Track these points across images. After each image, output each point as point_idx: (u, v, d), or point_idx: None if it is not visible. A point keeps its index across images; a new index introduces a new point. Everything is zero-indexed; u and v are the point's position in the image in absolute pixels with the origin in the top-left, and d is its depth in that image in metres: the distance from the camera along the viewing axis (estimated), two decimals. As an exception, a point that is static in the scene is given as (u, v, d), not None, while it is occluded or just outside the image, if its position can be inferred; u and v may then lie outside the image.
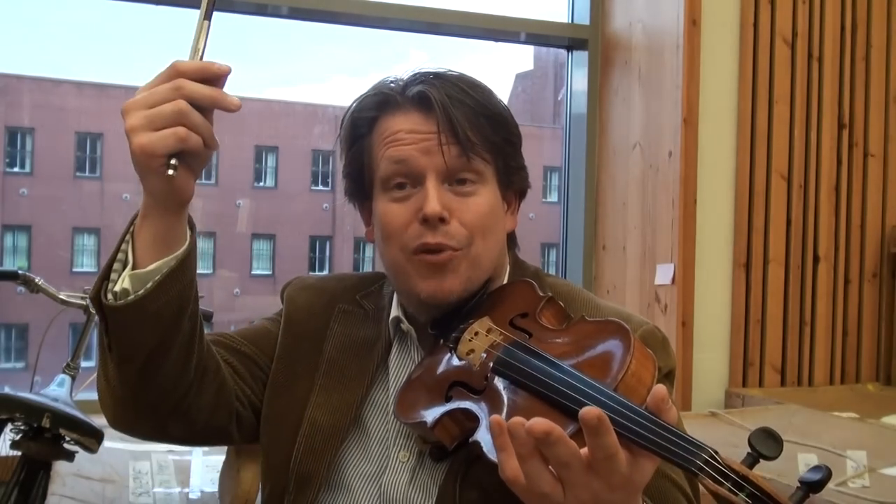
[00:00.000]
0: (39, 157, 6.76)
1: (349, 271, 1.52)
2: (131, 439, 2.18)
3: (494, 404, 0.99)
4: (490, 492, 1.03)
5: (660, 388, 0.86)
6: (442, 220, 1.10)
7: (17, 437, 1.79)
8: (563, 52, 3.22)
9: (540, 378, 0.96)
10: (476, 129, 1.13)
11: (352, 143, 1.20)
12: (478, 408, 1.00)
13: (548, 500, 0.83)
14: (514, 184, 1.21)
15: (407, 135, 1.13)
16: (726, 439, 2.13)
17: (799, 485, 0.82)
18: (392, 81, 1.19)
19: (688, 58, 2.77)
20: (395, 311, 1.23)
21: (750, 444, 0.83)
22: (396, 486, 1.12)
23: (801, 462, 1.93)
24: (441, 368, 1.11)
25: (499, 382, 1.01)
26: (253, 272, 7.35)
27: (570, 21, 3.16)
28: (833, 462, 1.96)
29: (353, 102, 1.21)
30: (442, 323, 1.16)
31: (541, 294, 1.13)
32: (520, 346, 1.03)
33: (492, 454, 0.89)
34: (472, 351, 1.08)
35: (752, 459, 0.83)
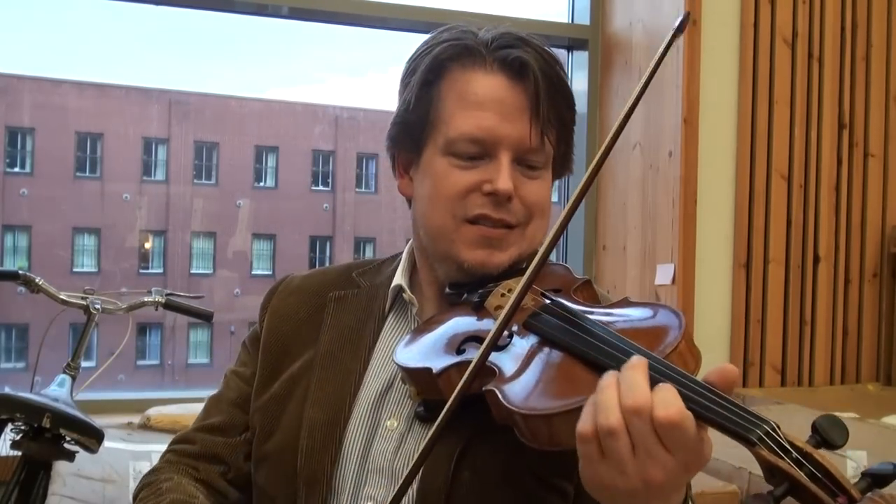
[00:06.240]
0: (39, 157, 6.75)
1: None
2: (131, 439, 2.19)
3: (516, 360, 0.93)
4: (484, 474, 1.00)
5: (732, 368, 0.82)
6: (509, 198, 1.07)
7: (18, 437, 1.79)
8: (563, 52, 3.22)
9: (580, 336, 0.89)
10: (555, 109, 1.09)
11: (420, 87, 1.11)
12: (495, 360, 0.93)
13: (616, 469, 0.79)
14: (565, 170, 1.18)
15: (492, 103, 1.07)
16: (727, 440, 2.11)
17: (862, 475, 0.78)
18: (466, 30, 1.13)
19: (688, 58, 2.77)
20: (398, 279, 1.17)
21: (815, 429, 0.79)
22: (383, 455, 1.07)
23: (801, 462, 1.93)
24: (456, 324, 1.05)
25: (526, 340, 0.95)
26: (253, 272, 7.34)
27: (570, 21, 3.16)
28: (833, 462, 1.95)
29: (424, 45, 1.14)
30: (460, 286, 1.11)
31: (577, 276, 1.09)
32: (560, 304, 0.97)
33: (508, 402, 0.85)
34: (500, 307, 1.01)
35: (815, 442, 0.79)
